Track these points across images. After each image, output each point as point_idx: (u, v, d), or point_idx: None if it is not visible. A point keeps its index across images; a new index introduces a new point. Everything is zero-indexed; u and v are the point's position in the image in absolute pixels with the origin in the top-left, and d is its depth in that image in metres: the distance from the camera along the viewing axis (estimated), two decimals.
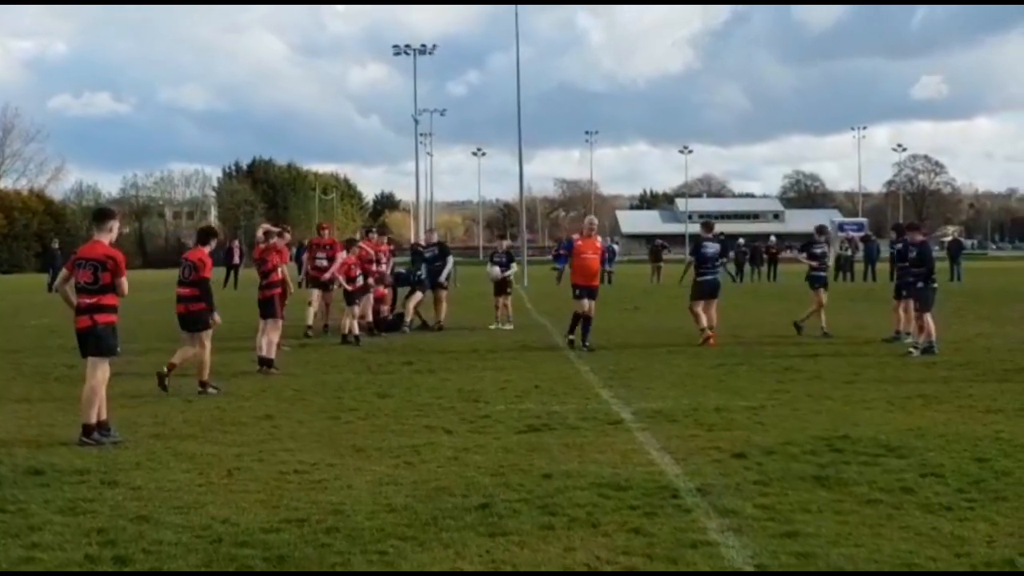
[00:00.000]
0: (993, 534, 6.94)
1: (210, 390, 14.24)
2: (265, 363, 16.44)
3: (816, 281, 22.41)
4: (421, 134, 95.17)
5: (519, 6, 63.68)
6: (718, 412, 12.07)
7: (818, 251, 23.01)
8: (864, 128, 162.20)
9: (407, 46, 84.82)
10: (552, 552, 6.67)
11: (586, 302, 19.61)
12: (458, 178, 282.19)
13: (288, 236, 19.14)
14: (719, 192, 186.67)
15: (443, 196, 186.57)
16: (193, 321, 14.43)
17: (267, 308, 16.98)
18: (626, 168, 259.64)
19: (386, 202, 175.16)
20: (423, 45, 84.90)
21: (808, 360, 17.26)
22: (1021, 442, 10.01)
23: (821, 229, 23.77)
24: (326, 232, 25.98)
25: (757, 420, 11.56)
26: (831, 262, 26.77)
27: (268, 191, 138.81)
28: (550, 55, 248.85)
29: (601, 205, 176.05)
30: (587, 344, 19.33)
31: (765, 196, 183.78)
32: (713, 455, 9.63)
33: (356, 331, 21.19)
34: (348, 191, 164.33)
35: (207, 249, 14.76)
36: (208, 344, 14.41)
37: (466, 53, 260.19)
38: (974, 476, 8.64)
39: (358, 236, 26.62)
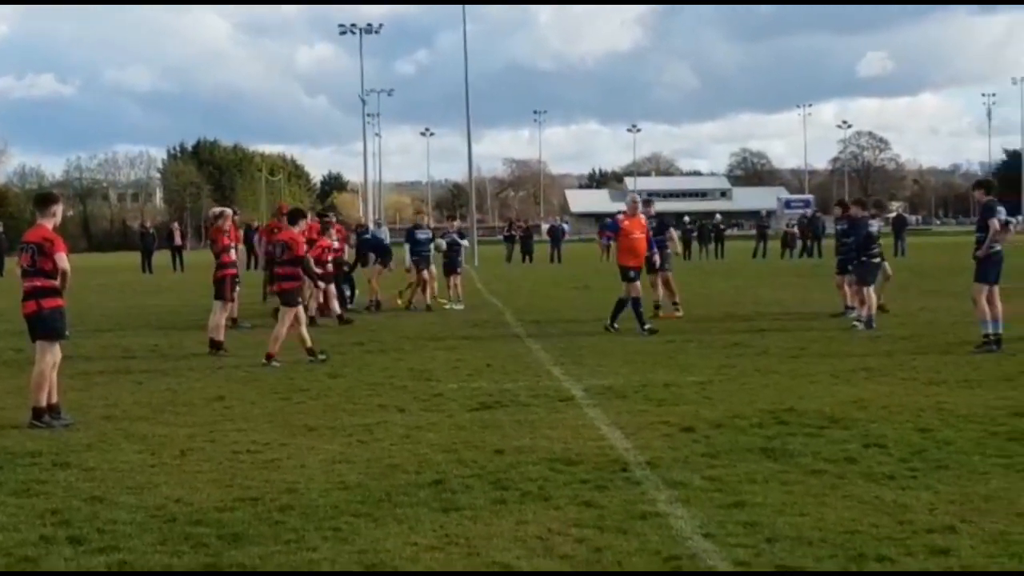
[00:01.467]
0: (934, 502, 7.12)
1: (274, 363, 14.76)
2: (215, 345, 16.41)
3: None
4: (369, 114, 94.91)
5: None
6: (667, 388, 12.23)
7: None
8: (810, 105, 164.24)
9: (353, 25, 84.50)
10: (505, 526, 6.78)
11: (639, 284, 18.88)
12: (407, 158, 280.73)
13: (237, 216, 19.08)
14: (668, 170, 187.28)
15: (392, 177, 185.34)
16: (287, 297, 15.25)
17: (218, 289, 16.96)
18: (575, 147, 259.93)
19: (334, 183, 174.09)
20: (369, 24, 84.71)
21: (755, 335, 17.48)
22: (962, 412, 10.22)
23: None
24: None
25: (705, 395, 11.72)
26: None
27: (214, 173, 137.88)
28: (499, 34, 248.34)
29: (550, 184, 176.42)
30: (646, 327, 18.31)
31: (713, 174, 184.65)
32: (662, 429, 9.77)
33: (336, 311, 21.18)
34: (295, 172, 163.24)
35: (297, 229, 15.89)
36: (288, 320, 15.09)
37: (414, 32, 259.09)
38: (916, 446, 8.83)
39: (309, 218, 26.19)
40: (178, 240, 52.16)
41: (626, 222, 19.00)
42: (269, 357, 14.94)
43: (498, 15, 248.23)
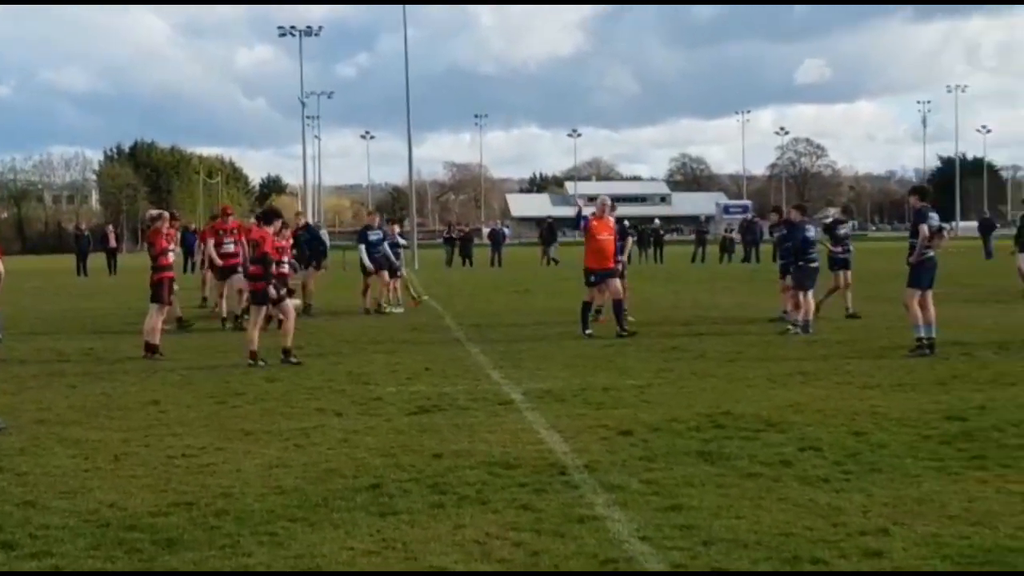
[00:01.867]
0: (868, 505, 7.19)
1: (259, 363, 15.00)
2: (151, 349, 16.23)
3: (836, 263, 21.59)
4: (308, 117, 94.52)
5: None
6: (606, 391, 12.27)
7: (842, 232, 22.12)
8: (748, 112, 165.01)
9: (292, 27, 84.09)
10: (442, 529, 6.76)
11: (614, 283, 18.75)
12: (347, 161, 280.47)
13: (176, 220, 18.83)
14: (608, 175, 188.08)
15: (332, 179, 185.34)
16: (258, 296, 15.64)
17: (154, 292, 16.77)
18: (516, 151, 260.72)
19: (273, 185, 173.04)
20: (309, 27, 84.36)
21: (693, 340, 17.59)
22: (896, 416, 10.35)
23: (848, 210, 23.21)
24: (231, 217, 23.68)
25: (643, 398, 11.77)
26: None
27: (151, 175, 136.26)
28: (440, 37, 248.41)
29: (491, 188, 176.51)
30: (626, 330, 18.30)
31: (653, 179, 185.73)
32: (600, 433, 9.80)
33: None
34: (233, 174, 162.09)
35: (271, 229, 16.18)
36: (259, 318, 15.55)
37: (355, 35, 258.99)
38: (850, 449, 8.92)
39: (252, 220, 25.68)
40: (112, 243, 51.56)
41: (594, 222, 18.92)
42: (253, 356, 15.12)
43: (440, 18, 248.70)
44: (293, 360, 15.17)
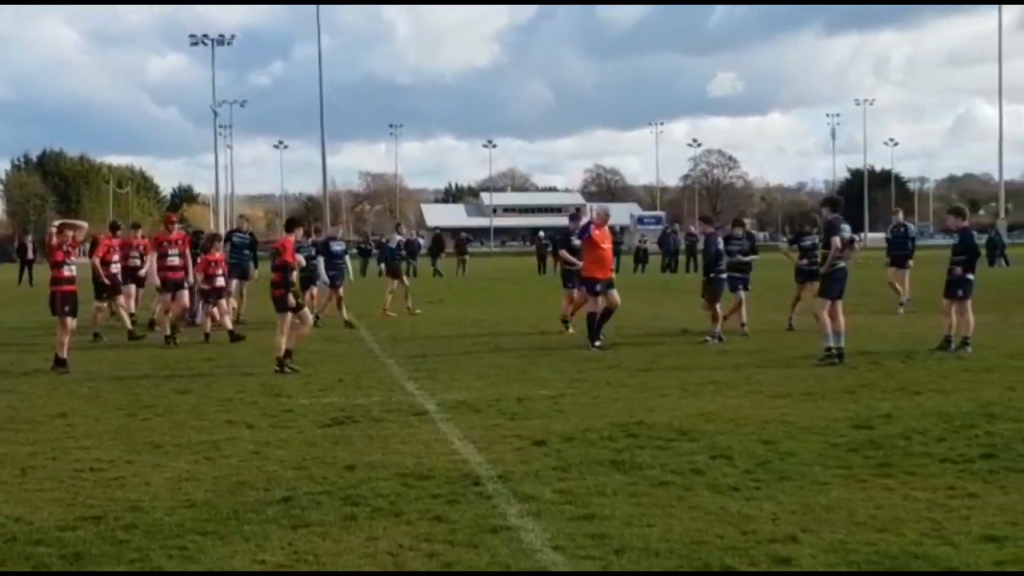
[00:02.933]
0: (777, 512, 7.29)
1: (286, 370, 15.26)
2: (58, 362, 15.91)
3: (802, 274, 20.67)
4: (221, 126, 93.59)
5: None
6: (520, 401, 12.29)
7: (807, 243, 21.02)
8: (662, 123, 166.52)
9: (204, 36, 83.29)
10: (354, 541, 6.73)
11: (614, 293, 18.59)
12: (261, 171, 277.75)
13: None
14: (523, 186, 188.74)
15: (244, 189, 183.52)
16: (279, 304, 15.75)
17: (51, 306, 16.39)
18: (432, 161, 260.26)
19: (184, 195, 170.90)
20: (221, 35, 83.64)
21: (607, 349, 17.68)
22: (805, 424, 10.50)
23: (813, 220, 22.46)
24: (175, 226, 21.78)
25: (557, 408, 11.82)
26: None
27: (60, 184, 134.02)
28: (356, 47, 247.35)
29: (406, 199, 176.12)
30: (598, 343, 17.94)
31: (568, 190, 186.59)
32: (514, 443, 9.82)
33: (230, 326, 20.60)
34: (144, 184, 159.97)
35: (293, 237, 16.48)
36: (284, 326, 15.54)
37: (270, 43, 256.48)
38: (761, 457, 9.04)
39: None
40: (30, 254, 50.53)
41: (597, 232, 18.66)
42: (280, 364, 15.33)
43: (357, 27, 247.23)
44: (289, 369, 15.29)
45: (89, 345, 19.35)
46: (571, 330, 20.53)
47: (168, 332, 19.77)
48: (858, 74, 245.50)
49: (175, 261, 20.54)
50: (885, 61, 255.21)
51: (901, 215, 27.03)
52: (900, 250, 24.94)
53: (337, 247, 24.56)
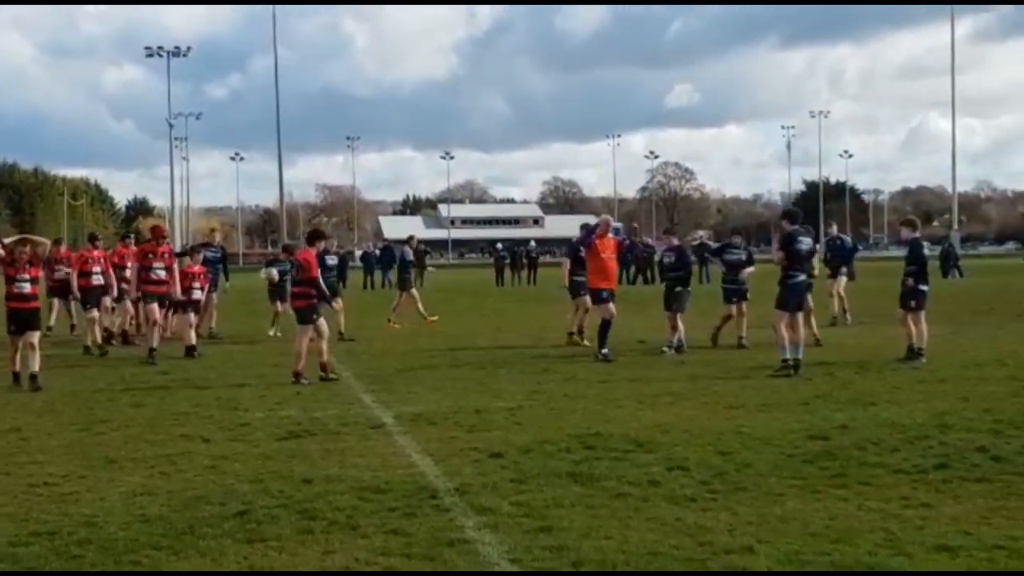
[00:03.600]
0: (734, 523, 7.32)
1: (303, 381, 15.26)
2: (15, 377, 15.66)
3: (726, 293, 20.34)
4: (177, 138, 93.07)
5: (278, 7, 63.14)
6: (478, 414, 12.28)
7: (732, 259, 20.63)
8: (619, 136, 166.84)
9: (160, 48, 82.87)
10: (311, 555, 6.70)
11: (612, 305, 18.43)
12: (217, 183, 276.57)
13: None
14: (481, 198, 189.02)
15: (201, 201, 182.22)
16: (302, 315, 15.91)
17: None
18: (390, 173, 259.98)
19: (140, 207, 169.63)
20: (177, 47, 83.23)
21: (564, 361, 17.72)
22: (761, 435, 10.56)
23: (739, 231, 21.75)
24: (165, 240, 21.04)
25: (515, 420, 11.82)
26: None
27: (13, 197, 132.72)
28: (313, 58, 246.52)
29: (364, 211, 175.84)
30: (604, 351, 17.96)
31: (526, 202, 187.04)
32: (472, 455, 9.81)
33: (192, 341, 20.07)
34: (99, 196, 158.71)
35: (314, 250, 16.54)
36: (305, 337, 15.73)
37: (226, 55, 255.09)
38: (717, 468, 9.08)
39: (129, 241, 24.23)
40: None
41: (599, 241, 18.47)
42: (296, 376, 15.38)
43: (314, 39, 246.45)
44: (304, 382, 15.32)
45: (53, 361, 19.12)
46: (585, 342, 20.38)
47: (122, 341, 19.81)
48: (814, 86, 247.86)
49: (160, 275, 19.75)
50: (840, 74, 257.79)
51: (835, 228, 27.13)
52: (836, 261, 24.83)
53: (330, 260, 23.83)
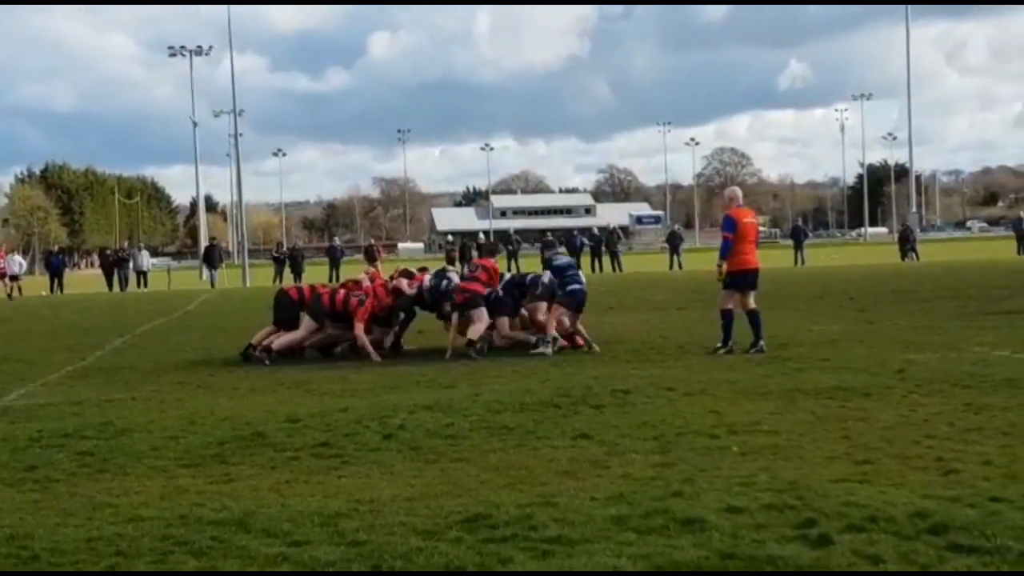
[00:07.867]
0: None
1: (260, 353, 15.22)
2: None
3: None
4: (229, 135, 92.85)
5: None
6: None
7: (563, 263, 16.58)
8: (669, 124, 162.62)
9: (182, 47, 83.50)
10: None
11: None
12: (308, 176, 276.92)
13: None
14: (536, 187, 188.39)
15: (255, 197, 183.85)
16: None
17: None
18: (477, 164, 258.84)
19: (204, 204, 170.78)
20: (199, 46, 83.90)
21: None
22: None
23: (551, 242, 18.50)
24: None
25: None
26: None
27: (62, 196, 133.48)
28: (438, 46, 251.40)
29: (421, 203, 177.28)
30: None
31: (576, 190, 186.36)
32: None
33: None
34: (155, 194, 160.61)
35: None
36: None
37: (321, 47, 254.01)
38: None
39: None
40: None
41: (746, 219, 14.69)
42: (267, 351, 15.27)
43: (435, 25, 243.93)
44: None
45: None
46: None
47: None
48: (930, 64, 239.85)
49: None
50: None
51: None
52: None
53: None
